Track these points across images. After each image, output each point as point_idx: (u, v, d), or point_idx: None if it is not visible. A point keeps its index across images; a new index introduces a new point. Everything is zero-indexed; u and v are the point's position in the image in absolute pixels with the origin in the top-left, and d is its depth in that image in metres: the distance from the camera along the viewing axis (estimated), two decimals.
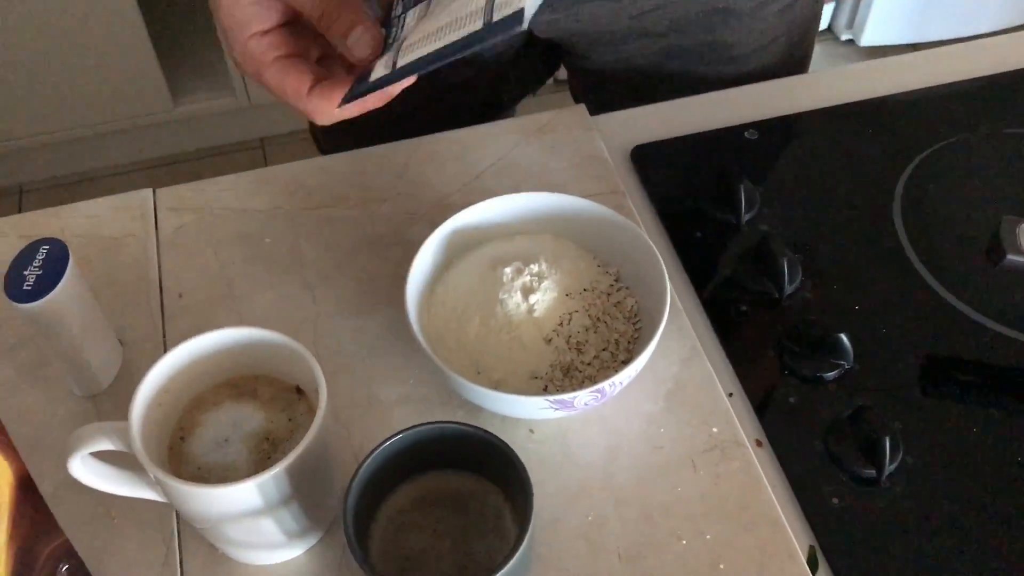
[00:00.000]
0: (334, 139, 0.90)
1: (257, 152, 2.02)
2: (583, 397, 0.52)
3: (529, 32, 0.81)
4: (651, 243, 0.58)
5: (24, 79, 1.75)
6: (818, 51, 2.07)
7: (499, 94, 0.92)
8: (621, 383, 0.53)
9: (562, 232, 0.62)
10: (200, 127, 1.98)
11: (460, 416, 0.58)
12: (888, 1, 2.02)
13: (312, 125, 1.03)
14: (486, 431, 0.47)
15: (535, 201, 0.61)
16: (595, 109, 0.77)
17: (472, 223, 0.61)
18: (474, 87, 0.88)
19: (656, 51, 0.81)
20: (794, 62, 0.86)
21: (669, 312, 0.55)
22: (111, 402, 0.60)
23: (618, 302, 0.60)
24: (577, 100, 0.94)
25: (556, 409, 0.52)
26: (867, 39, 2.09)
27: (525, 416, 0.56)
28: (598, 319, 0.58)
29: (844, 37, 2.15)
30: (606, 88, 0.86)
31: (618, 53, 0.81)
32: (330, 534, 0.54)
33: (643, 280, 0.59)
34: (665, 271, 0.57)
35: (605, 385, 0.52)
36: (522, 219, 0.62)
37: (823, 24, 2.14)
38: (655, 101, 0.77)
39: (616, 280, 0.61)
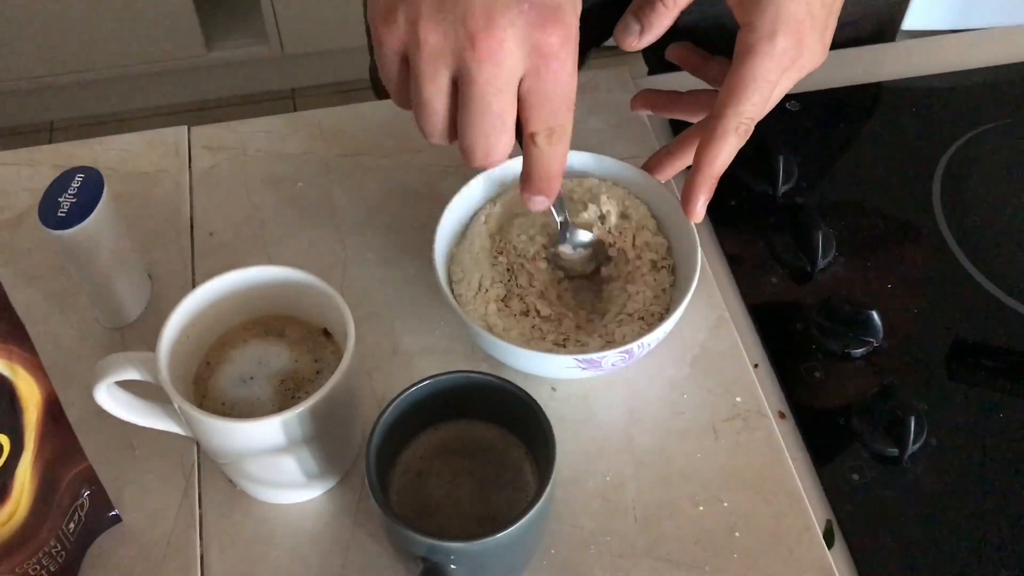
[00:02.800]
0: None
1: (287, 102, 2.01)
2: (611, 357, 0.52)
3: None
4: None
5: (58, 16, 1.75)
6: None
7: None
8: (649, 345, 0.53)
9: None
10: (232, 74, 1.98)
11: (483, 370, 0.58)
12: None
13: (372, 71, 1.02)
14: (512, 383, 0.46)
15: (573, 160, 0.61)
16: (656, 67, 0.74)
17: (507, 177, 0.60)
18: None
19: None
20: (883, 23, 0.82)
21: (699, 280, 0.55)
22: (137, 335, 0.60)
23: None
24: (647, 60, 0.93)
25: (583, 368, 0.52)
26: (910, 23, 2.05)
27: (551, 375, 0.56)
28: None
29: None
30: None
31: (715, 10, 0.79)
32: (348, 478, 0.54)
33: (675, 246, 0.59)
34: (698, 239, 0.56)
35: (633, 346, 0.52)
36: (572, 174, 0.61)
37: None
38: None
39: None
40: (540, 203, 0.50)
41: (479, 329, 0.52)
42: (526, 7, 0.41)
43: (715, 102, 0.54)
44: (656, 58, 0.92)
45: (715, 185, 0.55)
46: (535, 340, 0.55)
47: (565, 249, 0.58)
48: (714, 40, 0.77)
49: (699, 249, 0.56)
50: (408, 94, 0.46)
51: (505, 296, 0.57)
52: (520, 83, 0.43)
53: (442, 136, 0.46)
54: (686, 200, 0.55)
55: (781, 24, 0.52)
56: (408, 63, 0.44)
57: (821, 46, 0.55)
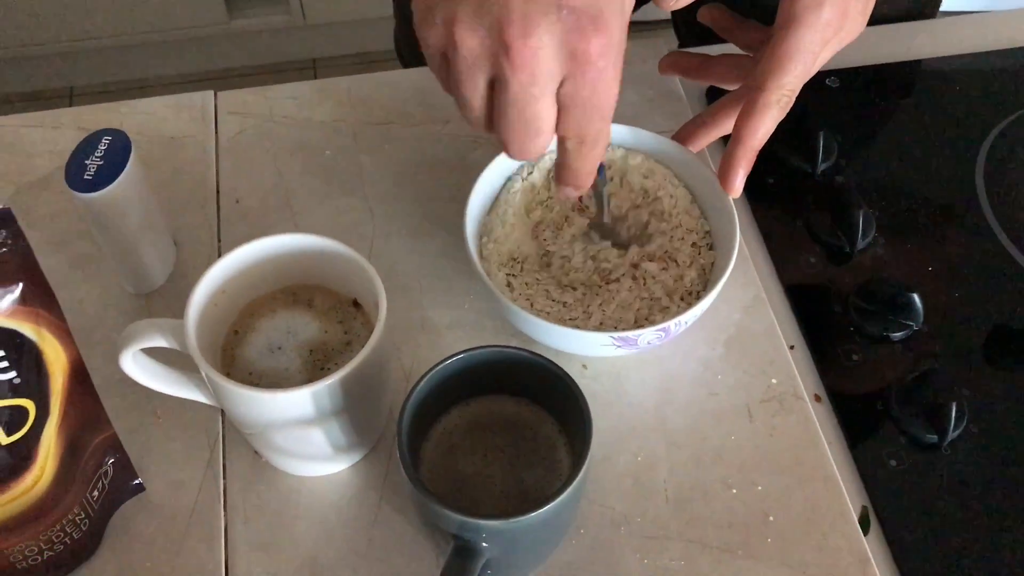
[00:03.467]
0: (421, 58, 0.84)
1: (308, 72, 2.00)
2: (647, 336, 0.50)
3: None
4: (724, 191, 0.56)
5: None
6: None
7: None
8: (686, 323, 0.52)
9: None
10: (253, 43, 1.96)
11: (514, 343, 0.57)
12: None
13: (397, 40, 1.00)
14: (547, 359, 0.45)
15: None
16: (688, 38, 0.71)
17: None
18: None
19: None
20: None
21: (735, 258, 0.53)
22: (163, 301, 0.59)
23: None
24: (679, 34, 0.91)
25: (618, 347, 0.51)
26: (948, 3, 2.02)
27: (584, 352, 0.55)
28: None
29: None
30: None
31: None
32: (375, 451, 0.53)
33: (713, 226, 0.57)
34: (736, 218, 0.55)
35: (671, 324, 0.50)
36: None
37: None
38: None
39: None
40: (569, 194, 0.48)
41: (511, 304, 0.51)
42: (564, 13, 0.39)
43: (755, 72, 0.53)
44: (687, 29, 0.90)
45: (754, 159, 0.53)
46: (568, 316, 0.54)
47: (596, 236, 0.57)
48: (749, 14, 0.74)
49: (737, 228, 0.54)
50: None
51: (538, 270, 0.56)
52: (560, 86, 0.42)
53: (482, 128, 0.45)
54: (724, 174, 0.54)
55: None
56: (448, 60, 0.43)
57: (863, 17, 0.53)
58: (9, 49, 1.83)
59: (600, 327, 0.54)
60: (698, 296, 0.55)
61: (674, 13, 0.92)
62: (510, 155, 0.44)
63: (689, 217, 0.58)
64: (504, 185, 0.59)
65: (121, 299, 0.59)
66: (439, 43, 0.42)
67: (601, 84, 0.41)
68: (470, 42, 0.40)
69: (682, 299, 0.54)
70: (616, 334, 0.50)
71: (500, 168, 0.58)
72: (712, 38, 0.75)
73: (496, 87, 0.42)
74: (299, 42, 1.98)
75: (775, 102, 0.52)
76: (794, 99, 0.53)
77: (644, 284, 0.55)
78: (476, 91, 0.42)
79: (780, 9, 0.52)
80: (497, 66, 0.40)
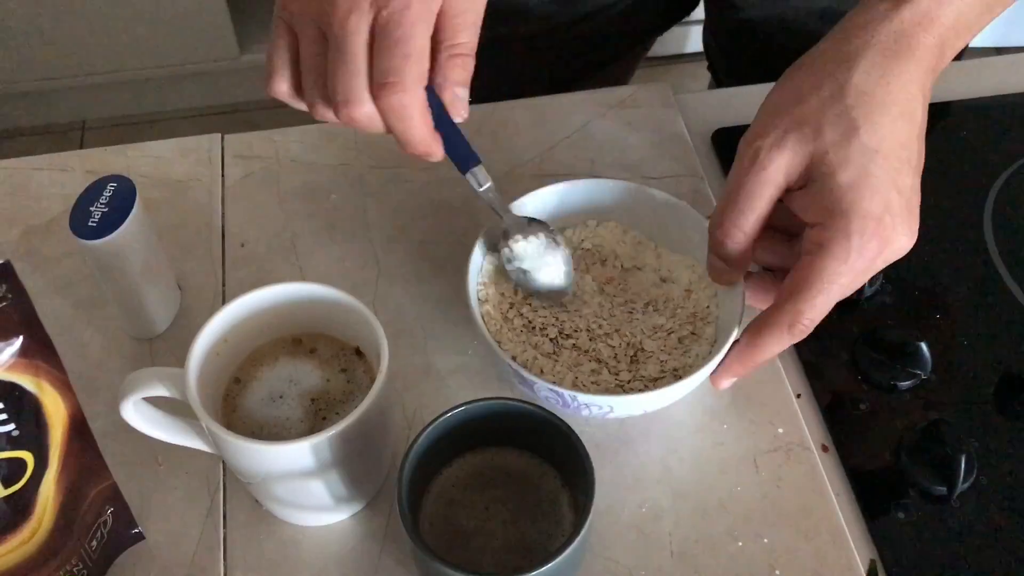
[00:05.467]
0: None
1: None
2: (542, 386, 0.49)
3: None
4: None
5: (92, 16, 1.75)
6: None
7: (633, 25, 0.85)
8: (599, 408, 0.50)
9: (635, 222, 0.59)
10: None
11: (517, 392, 0.57)
12: None
13: None
14: (551, 412, 0.45)
15: (607, 189, 0.59)
16: (725, 75, 0.70)
17: (540, 205, 0.58)
18: (610, 14, 0.81)
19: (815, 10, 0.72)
20: None
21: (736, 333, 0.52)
22: (166, 347, 0.59)
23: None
24: (709, 55, 0.91)
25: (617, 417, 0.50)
26: None
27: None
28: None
29: None
30: (746, 48, 0.79)
31: (778, 7, 0.72)
32: (376, 501, 0.53)
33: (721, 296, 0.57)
34: (743, 296, 0.53)
35: (578, 398, 0.49)
36: (592, 205, 0.59)
37: None
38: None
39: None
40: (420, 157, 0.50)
41: (518, 367, 0.50)
42: None
43: (781, 288, 0.48)
44: (723, 64, 0.89)
45: (753, 370, 0.50)
46: (567, 372, 0.54)
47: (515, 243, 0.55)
48: (776, 37, 0.73)
49: (743, 307, 0.53)
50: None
51: (533, 325, 0.55)
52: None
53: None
54: (716, 372, 0.50)
55: (855, 225, 0.45)
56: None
57: (908, 235, 0.47)
58: (22, 83, 1.85)
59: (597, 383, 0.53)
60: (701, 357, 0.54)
61: (709, 48, 0.91)
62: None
63: (697, 286, 0.57)
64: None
65: (124, 344, 0.59)
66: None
67: (402, 18, 0.45)
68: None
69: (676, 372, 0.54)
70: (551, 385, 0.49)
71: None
72: (747, 77, 0.74)
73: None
74: None
75: (786, 325, 0.47)
76: (811, 328, 0.48)
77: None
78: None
79: (805, 233, 0.47)
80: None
